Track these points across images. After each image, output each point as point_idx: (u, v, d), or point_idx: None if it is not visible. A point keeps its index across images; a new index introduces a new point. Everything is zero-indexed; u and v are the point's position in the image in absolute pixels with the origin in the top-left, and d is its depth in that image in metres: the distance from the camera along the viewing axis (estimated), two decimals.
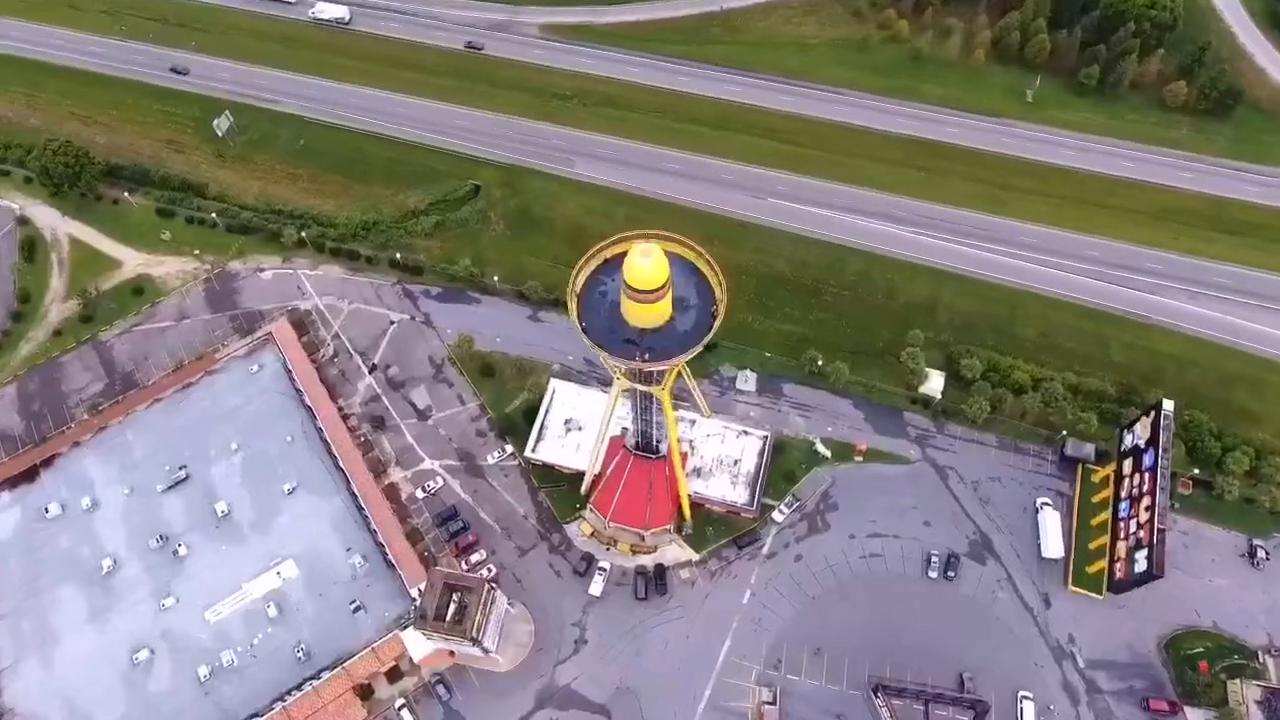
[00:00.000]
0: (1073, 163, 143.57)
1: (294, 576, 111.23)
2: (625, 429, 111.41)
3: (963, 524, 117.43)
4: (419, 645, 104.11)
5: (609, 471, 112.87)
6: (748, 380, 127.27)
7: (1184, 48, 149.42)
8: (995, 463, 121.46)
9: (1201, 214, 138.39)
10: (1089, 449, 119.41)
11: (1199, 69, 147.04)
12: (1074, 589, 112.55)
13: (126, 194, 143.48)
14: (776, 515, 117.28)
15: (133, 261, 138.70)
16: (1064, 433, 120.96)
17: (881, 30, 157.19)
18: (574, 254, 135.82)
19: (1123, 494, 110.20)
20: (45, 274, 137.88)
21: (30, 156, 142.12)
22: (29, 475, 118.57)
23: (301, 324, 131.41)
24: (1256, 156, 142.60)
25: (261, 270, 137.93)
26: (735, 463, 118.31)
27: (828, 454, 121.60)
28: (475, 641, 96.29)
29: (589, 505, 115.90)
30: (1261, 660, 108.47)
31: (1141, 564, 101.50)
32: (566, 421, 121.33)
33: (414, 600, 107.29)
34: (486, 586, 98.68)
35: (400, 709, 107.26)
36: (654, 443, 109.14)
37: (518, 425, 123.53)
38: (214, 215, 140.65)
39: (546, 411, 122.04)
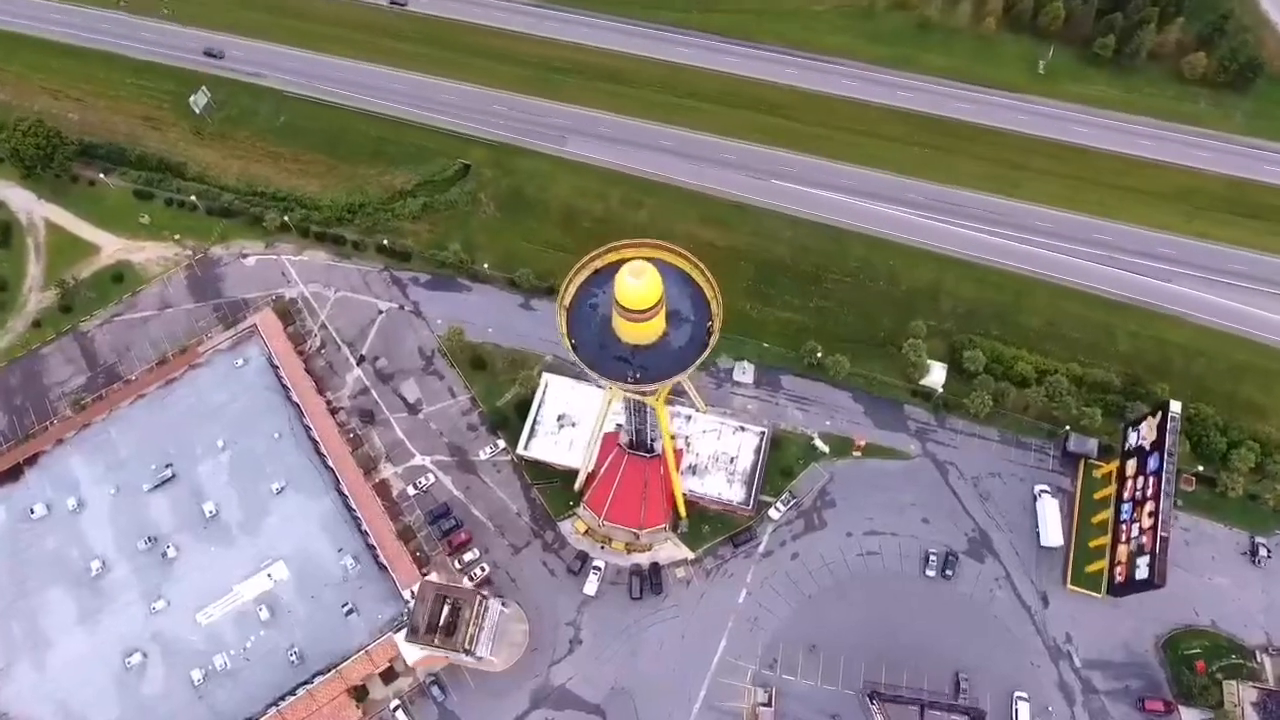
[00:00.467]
0: (1086, 140, 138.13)
1: (285, 578, 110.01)
2: (620, 425, 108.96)
3: (962, 521, 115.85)
4: (412, 649, 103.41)
5: (603, 470, 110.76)
6: (745, 372, 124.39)
7: (1204, 16, 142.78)
8: (996, 458, 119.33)
9: (1218, 195, 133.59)
10: (1092, 444, 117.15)
11: (1219, 39, 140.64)
12: (1073, 588, 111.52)
13: (103, 175, 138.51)
14: (773, 513, 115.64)
15: (111, 247, 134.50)
16: (1067, 428, 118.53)
17: None
18: (567, 238, 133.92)
19: (1125, 495, 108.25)
20: (22, 260, 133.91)
21: (0, 137, 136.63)
22: (13, 474, 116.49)
23: (287, 313, 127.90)
24: (1276, 133, 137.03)
25: (245, 256, 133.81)
26: (731, 460, 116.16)
27: (826, 449, 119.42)
28: (468, 652, 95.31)
29: (583, 503, 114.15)
30: (1259, 659, 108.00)
31: (1143, 571, 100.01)
32: (559, 417, 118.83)
33: (407, 603, 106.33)
34: (478, 597, 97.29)
35: (395, 710, 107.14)
36: (649, 441, 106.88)
37: (510, 419, 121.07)
38: (193, 198, 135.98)
39: (539, 407, 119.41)
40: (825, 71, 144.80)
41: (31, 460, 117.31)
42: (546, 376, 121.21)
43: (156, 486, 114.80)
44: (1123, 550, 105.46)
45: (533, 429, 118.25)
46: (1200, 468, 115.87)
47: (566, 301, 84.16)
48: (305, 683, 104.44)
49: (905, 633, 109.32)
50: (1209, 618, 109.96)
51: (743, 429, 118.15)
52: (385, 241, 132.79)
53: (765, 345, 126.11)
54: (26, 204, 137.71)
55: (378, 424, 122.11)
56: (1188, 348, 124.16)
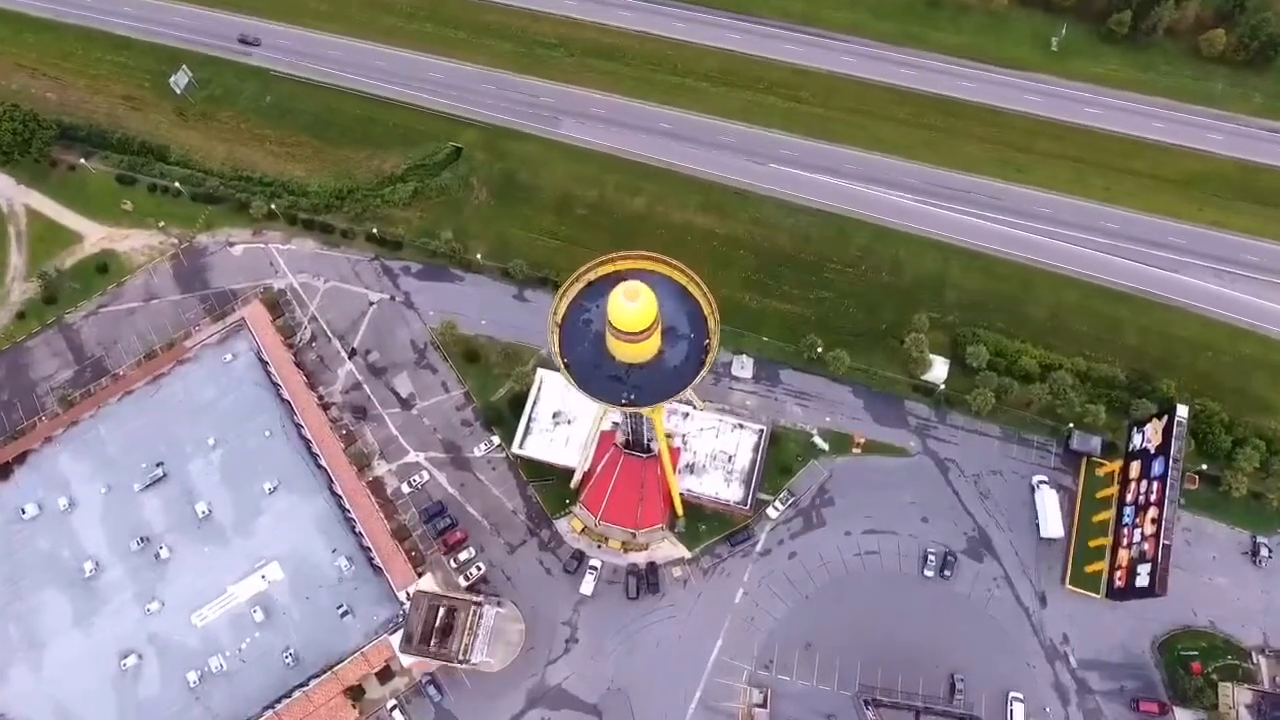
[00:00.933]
0: (1097, 122, 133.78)
1: (279, 579, 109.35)
2: (616, 423, 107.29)
3: (961, 520, 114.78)
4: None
5: (599, 469, 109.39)
6: (744, 366, 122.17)
7: None
8: (998, 455, 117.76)
9: (1231, 181, 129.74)
10: (1095, 442, 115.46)
11: (1239, 15, 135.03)
12: (1071, 588, 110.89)
13: (84, 159, 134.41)
14: (771, 512, 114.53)
15: (94, 235, 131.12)
16: (1070, 425, 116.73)
17: None
18: (562, 226, 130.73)
19: (1128, 498, 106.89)
20: (3, 250, 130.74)
21: None
22: (3, 473, 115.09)
23: (275, 305, 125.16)
24: None
25: (231, 244, 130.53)
26: (730, 458, 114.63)
27: (825, 446, 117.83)
28: (463, 662, 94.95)
29: (579, 503, 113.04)
30: (1255, 660, 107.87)
31: (1144, 579, 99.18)
32: (555, 415, 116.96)
33: (402, 605, 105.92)
34: (472, 605, 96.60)
35: (392, 710, 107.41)
36: (645, 441, 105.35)
37: (504, 415, 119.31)
38: (177, 184, 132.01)
39: (534, 403, 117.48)
40: (829, 49, 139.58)
41: (20, 459, 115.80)
42: (541, 373, 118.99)
43: (148, 486, 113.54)
44: (1123, 555, 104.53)
45: (528, 426, 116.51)
46: (1204, 466, 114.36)
47: (559, 317, 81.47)
48: (301, 685, 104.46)
49: (902, 633, 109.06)
50: (1207, 618, 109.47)
51: (741, 426, 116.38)
52: (375, 230, 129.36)
53: (765, 339, 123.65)
54: (6, 190, 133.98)
55: (370, 419, 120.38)
56: (1195, 341, 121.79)
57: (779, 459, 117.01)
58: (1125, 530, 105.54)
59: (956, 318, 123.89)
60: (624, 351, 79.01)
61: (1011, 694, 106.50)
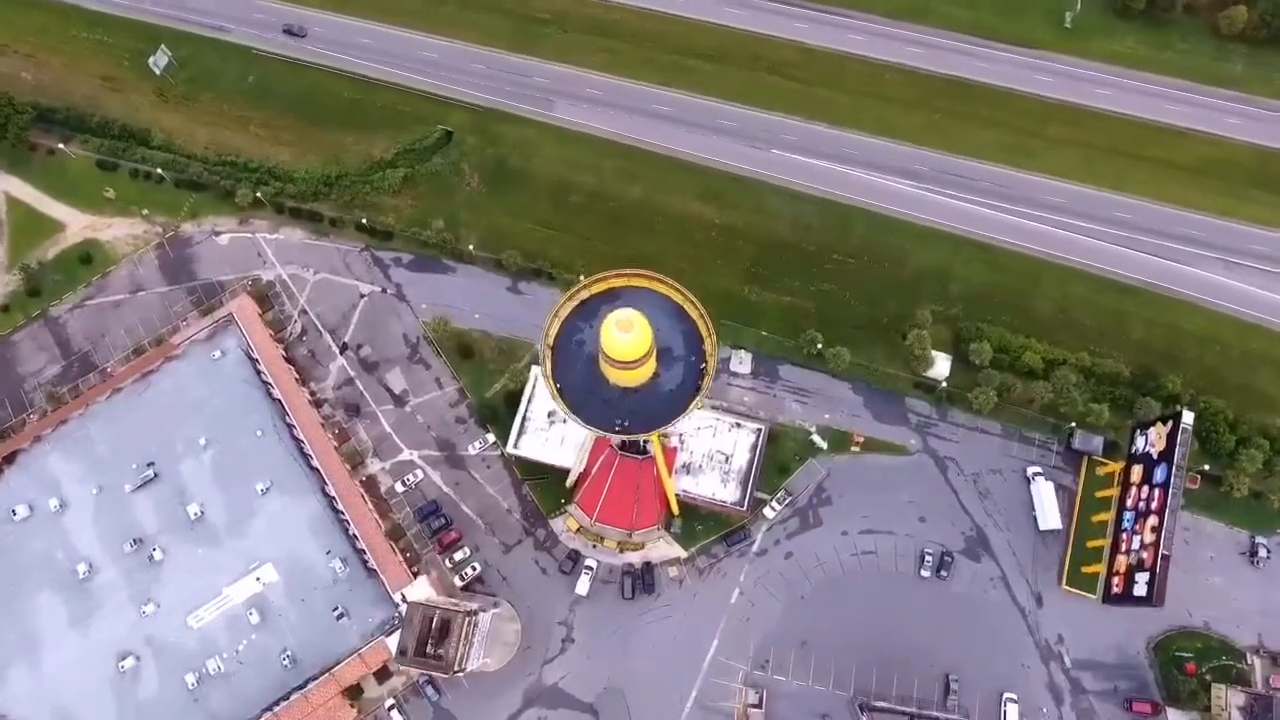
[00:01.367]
0: (1108, 105, 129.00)
1: (274, 581, 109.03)
2: None
3: (959, 519, 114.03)
4: None
5: (594, 470, 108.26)
6: (743, 361, 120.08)
7: None
8: (998, 453, 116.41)
9: (1247, 168, 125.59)
10: (1097, 442, 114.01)
11: None
12: (1067, 588, 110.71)
13: (62, 144, 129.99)
14: (768, 512, 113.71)
15: (77, 224, 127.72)
16: (1072, 424, 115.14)
17: None
18: (556, 215, 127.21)
19: (1129, 503, 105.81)
20: None
21: None
22: None
23: (264, 297, 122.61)
24: None
25: (217, 234, 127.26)
26: (727, 458, 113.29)
27: (824, 445, 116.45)
28: (459, 672, 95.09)
29: (574, 503, 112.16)
30: (1249, 661, 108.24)
31: (1141, 588, 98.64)
32: (550, 413, 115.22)
33: (398, 606, 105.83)
34: (465, 615, 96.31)
35: (390, 709, 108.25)
36: (641, 443, 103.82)
37: (499, 412, 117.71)
38: (159, 170, 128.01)
39: (529, 402, 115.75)
40: (835, 25, 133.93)
41: (10, 459, 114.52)
42: (535, 370, 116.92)
43: (139, 487, 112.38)
44: (1121, 561, 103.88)
45: (522, 425, 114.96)
46: (1206, 466, 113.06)
47: (551, 340, 79.15)
48: (299, 686, 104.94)
49: (898, 634, 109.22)
50: (1202, 619, 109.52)
51: (739, 425, 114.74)
52: (365, 220, 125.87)
53: (764, 333, 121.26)
54: None
55: (363, 417, 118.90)
56: (1202, 335, 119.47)
57: (777, 457, 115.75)
58: (1124, 535, 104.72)
59: (960, 311, 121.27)
60: (618, 377, 76.94)
61: (1006, 695, 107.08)
